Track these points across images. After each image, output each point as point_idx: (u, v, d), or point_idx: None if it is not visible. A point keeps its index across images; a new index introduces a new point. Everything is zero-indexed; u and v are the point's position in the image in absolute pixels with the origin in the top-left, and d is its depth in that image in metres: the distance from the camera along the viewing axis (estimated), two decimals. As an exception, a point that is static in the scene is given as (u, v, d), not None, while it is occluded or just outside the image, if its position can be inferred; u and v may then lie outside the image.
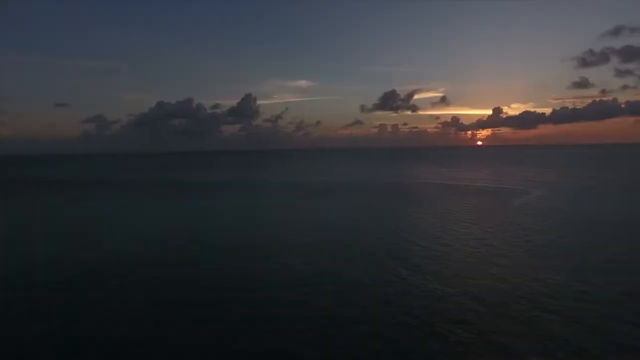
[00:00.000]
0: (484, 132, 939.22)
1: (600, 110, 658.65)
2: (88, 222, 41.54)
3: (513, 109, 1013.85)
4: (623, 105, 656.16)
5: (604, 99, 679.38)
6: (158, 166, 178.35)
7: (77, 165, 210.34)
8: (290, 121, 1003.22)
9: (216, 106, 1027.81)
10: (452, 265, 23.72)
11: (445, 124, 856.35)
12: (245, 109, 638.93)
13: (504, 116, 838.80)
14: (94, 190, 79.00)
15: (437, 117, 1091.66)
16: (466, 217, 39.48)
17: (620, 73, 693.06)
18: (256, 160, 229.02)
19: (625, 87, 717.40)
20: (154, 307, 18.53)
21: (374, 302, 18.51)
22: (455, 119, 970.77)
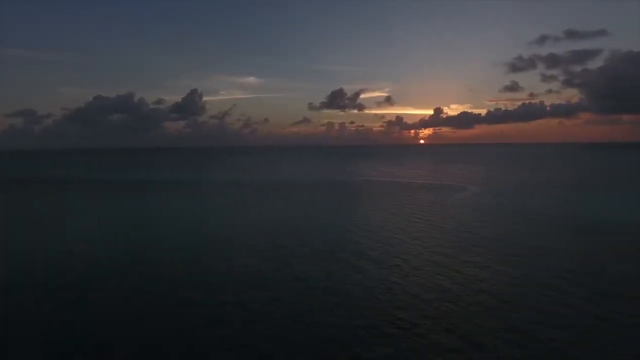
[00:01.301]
0: (426, 132, 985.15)
1: (529, 112, 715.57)
2: (13, 223, 38.89)
3: (452, 110, 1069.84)
4: (548, 108, 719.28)
5: (532, 101, 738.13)
6: (94, 164, 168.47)
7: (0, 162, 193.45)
8: (238, 118, 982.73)
9: (159, 101, 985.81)
10: (403, 257, 25.12)
11: (389, 123, 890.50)
12: (190, 105, 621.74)
13: (444, 116, 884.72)
14: (18, 190, 73.48)
15: (382, 116, 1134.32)
16: (411, 212, 41.60)
17: (545, 78, 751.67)
18: (202, 158, 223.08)
19: (550, 91, 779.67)
20: (109, 310, 18.12)
21: (329, 294, 19.32)
22: (399, 118, 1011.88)
